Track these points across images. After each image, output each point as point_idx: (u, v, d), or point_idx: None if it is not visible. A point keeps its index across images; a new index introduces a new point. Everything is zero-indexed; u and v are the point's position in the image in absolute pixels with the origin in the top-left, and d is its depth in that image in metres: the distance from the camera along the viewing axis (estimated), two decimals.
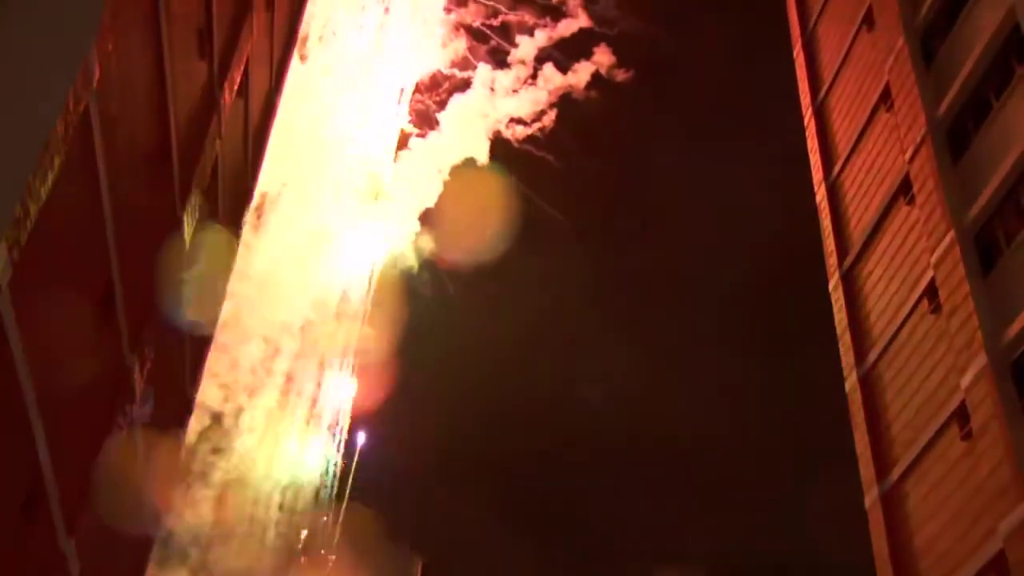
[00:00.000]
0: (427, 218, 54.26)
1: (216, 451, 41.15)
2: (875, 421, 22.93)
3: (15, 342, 8.38)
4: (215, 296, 18.84)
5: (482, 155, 52.95)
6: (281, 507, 46.49)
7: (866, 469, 22.77)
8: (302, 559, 48.80)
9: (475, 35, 53.56)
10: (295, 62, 23.19)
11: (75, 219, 9.57)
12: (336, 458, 52.73)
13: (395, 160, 53.26)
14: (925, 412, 20.65)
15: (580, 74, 53.65)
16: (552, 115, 53.61)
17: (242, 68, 16.45)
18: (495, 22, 53.03)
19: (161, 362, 14.47)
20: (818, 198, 28.27)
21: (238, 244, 19.86)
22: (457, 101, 53.37)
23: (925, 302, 21.42)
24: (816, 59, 30.71)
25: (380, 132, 52.23)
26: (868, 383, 23.57)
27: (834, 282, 26.05)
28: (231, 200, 18.04)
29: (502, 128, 53.63)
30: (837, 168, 27.32)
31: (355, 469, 53.70)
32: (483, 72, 53.24)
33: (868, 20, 26.67)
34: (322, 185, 47.77)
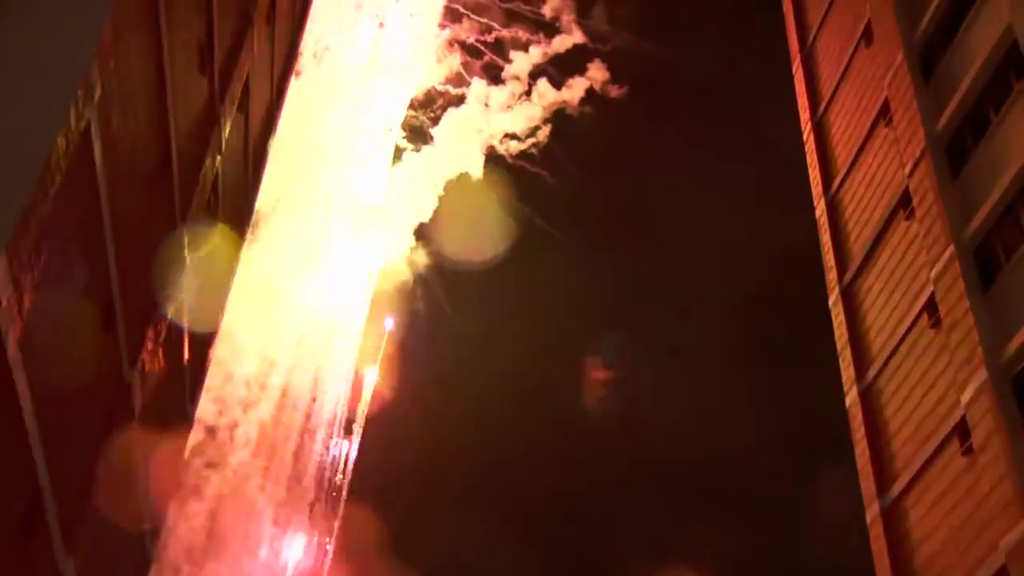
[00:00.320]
0: (422, 232, 54.42)
1: (210, 465, 41.06)
2: (876, 436, 22.89)
3: (15, 358, 8.36)
4: (216, 312, 18.82)
5: (476, 170, 53.13)
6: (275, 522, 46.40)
7: (867, 484, 22.72)
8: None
9: (469, 51, 53.74)
10: None
11: (75, 235, 9.56)
12: (331, 470, 52.70)
13: (390, 175, 53.41)
14: (926, 427, 20.62)
15: (574, 90, 53.86)
16: (546, 130, 53.79)
17: (243, 83, 16.47)
18: (489, 38, 53.24)
19: (161, 379, 14.44)
20: (818, 213, 28.29)
21: (239, 259, 19.85)
22: (451, 116, 53.58)
23: (925, 317, 21.41)
24: (815, 74, 30.78)
25: (374, 147, 52.38)
26: (869, 398, 23.54)
27: (834, 297, 26.04)
28: (232, 215, 18.04)
29: (496, 143, 53.79)
30: (837, 183, 27.35)
31: (350, 481, 53.70)
32: (477, 88, 53.44)
33: (867, 35, 26.75)
34: (316, 199, 47.85)
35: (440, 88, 53.90)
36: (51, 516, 10.24)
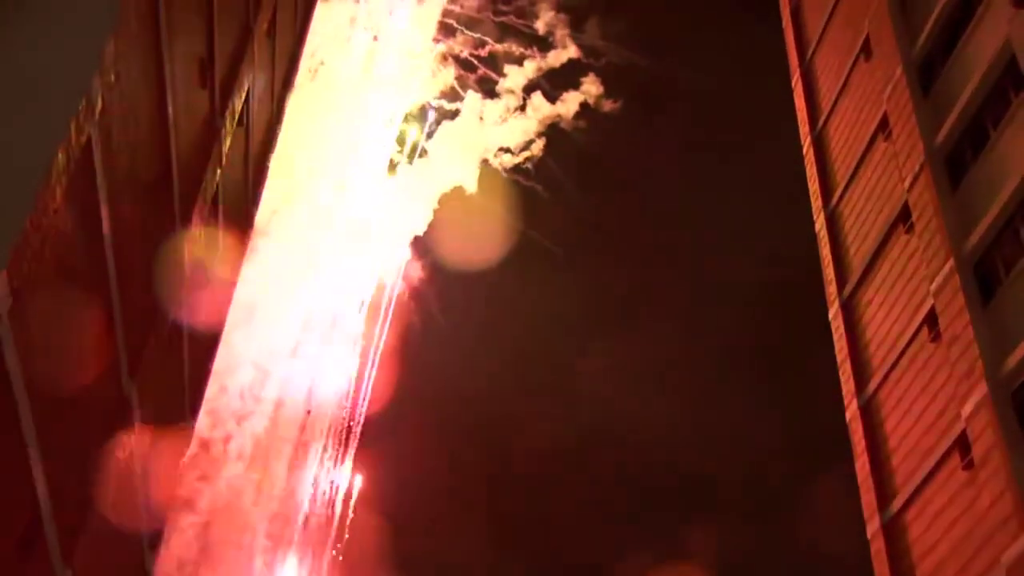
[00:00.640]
0: (416, 245, 54.58)
1: (203, 478, 40.95)
2: (876, 450, 22.86)
3: (15, 370, 8.35)
4: (215, 325, 18.81)
5: (471, 183, 53.29)
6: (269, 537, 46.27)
7: (868, 498, 22.68)
8: None
9: (464, 65, 53.93)
10: None
11: (76, 248, 9.56)
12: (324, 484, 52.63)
13: (384, 188, 53.60)
14: (926, 441, 20.59)
15: (569, 104, 54.07)
16: (540, 144, 53.98)
17: (243, 96, 16.51)
18: (482, 52, 53.46)
19: (161, 391, 14.43)
20: (817, 226, 28.32)
21: (239, 272, 19.86)
22: (446, 129, 53.79)
23: (925, 330, 21.40)
24: (814, 88, 30.86)
25: (369, 160, 52.58)
26: (869, 412, 23.52)
27: (834, 310, 26.04)
28: (232, 228, 18.05)
29: (490, 157, 53.97)
30: (836, 196, 27.38)
31: (345, 492, 53.64)
32: (471, 101, 53.64)
33: (866, 50, 26.82)
34: (311, 212, 48.00)
35: (435, 102, 54.14)
36: (49, 528, 10.22)
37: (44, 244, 8.30)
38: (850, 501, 23.32)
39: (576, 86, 54.71)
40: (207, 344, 18.46)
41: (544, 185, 54.36)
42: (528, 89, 54.22)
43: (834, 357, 25.78)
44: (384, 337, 55.16)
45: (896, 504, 21.40)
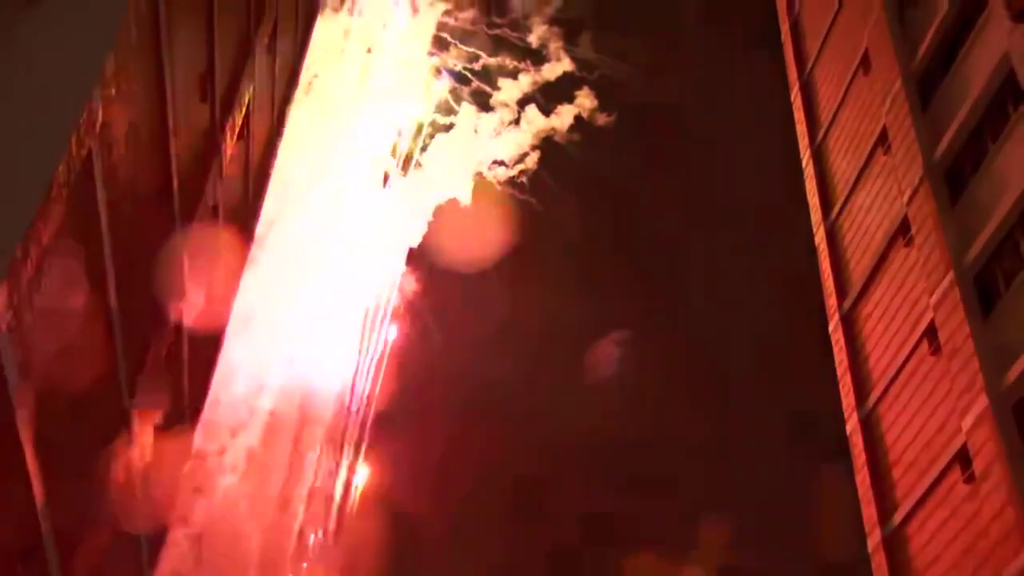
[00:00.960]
0: (411, 257, 54.68)
1: (196, 491, 40.83)
2: (877, 463, 22.82)
3: (15, 386, 8.33)
4: (216, 339, 18.80)
5: (465, 196, 53.40)
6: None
7: (868, 511, 22.62)
8: None
9: (458, 78, 54.10)
10: None
11: (76, 261, 9.56)
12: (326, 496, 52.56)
13: (378, 201, 53.71)
14: (927, 454, 20.54)
15: (563, 117, 54.20)
16: (535, 157, 54.12)
17: (243, 111, 16.53)
18: (476, 66, 53.65)
19: (160, 403, 14.40)
20: (817, 240, 28.33)
21: (239, 286, 19.86)
22: (440, 142, 53.93)
23: (925, 344, 21.38)
24: (814, 102, 30.91)
25: (363, 172, 52.71)
26: (869, 425, 23.49)
27: (834, 324, 26.03)
28: (232, 241, 18.05)
29: (484, 170, 54.06)
30: (836, 210, 27.41)
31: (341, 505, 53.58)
32: (465, 114, 53.80)
33: (865, 63, 26.87)
34: (307, 224, 48.06)
35: (429, 115, 54.30)
36: (49, 546, 10.18)
37: (44, 258, 8.29)
38: (852, 515, 23.29)
39: (570, 99, 54.87)
40: (207, 356, 18.44)
41: (539, 198, 54.48)
42: (522, 102, 54.41)
43: (833, 371, 25.80)
44: (380, 348, 55.27)
45: (897, 518, 21.35)
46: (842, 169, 27.88)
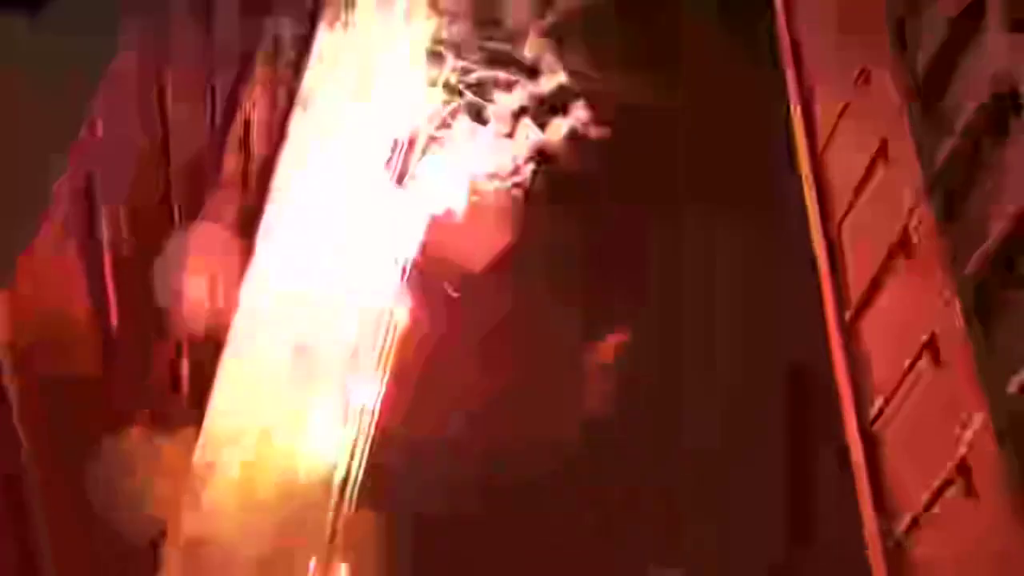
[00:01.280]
0: (406, 268, 54.83)
1: (195, 500, 40.67)
2: (876, 476, 22.80)
3: (13, 398, 8.36)
4: (215, 353, 18.86)
5: (460, 208, 53.64)
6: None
7: (868, 526, 22.58)
8: None
9: (452, 90, 54.49)
10: None
11: (75, 275, 9.60)
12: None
13: (373, 211, 53.97)
14: (927, 468, 20.52)
15: (557, 129, 54.51)
16: (529, 169, 54.41)
17: (244, 122, 16.62)
18: (471, 79, 54.04)
19: (161, 421, 14.45)
20: (816, 252, 28.34)
21: (238, 297, 19.91)
22: (434, 154, 54.24)
23: (925, 356, 21.39)
24: (813, 115, 30.96)
25: (357, 183, 52.99)
26: (868, 438, 23.47)
27: (834, 337, 26.01)
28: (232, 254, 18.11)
29: (479, 182, 54.33)
30: (835, 223, 27.42)
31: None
32: (459, 127, 54.19)
33: (865, 75, 26.92)
34: (302, 231, 48.25)
35: (423, 126, 54.69)
36: (47, 565, 10.20)
37: (43, 272, 8.32)
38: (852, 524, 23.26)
39: (564, 112, 55.25)
40: (207, 372, 18.52)
41: (533, 210, 54.77)
42: (516, 115, 54.82)
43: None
44: (379, 359, 55.31)
45: (897, 531, 21.32)
46: (842, 181, 27.91)
